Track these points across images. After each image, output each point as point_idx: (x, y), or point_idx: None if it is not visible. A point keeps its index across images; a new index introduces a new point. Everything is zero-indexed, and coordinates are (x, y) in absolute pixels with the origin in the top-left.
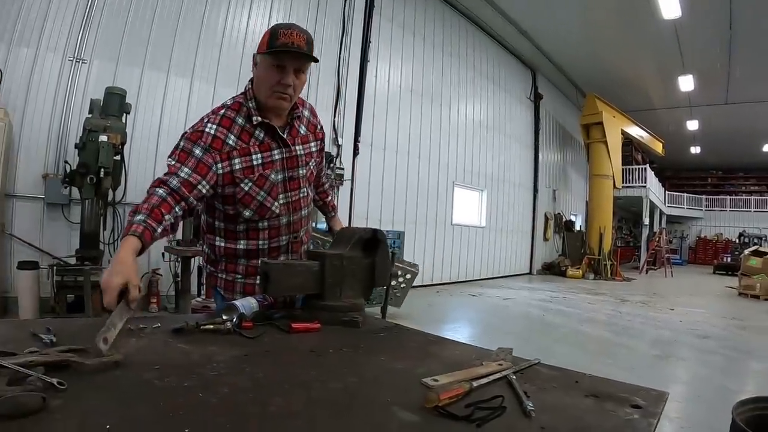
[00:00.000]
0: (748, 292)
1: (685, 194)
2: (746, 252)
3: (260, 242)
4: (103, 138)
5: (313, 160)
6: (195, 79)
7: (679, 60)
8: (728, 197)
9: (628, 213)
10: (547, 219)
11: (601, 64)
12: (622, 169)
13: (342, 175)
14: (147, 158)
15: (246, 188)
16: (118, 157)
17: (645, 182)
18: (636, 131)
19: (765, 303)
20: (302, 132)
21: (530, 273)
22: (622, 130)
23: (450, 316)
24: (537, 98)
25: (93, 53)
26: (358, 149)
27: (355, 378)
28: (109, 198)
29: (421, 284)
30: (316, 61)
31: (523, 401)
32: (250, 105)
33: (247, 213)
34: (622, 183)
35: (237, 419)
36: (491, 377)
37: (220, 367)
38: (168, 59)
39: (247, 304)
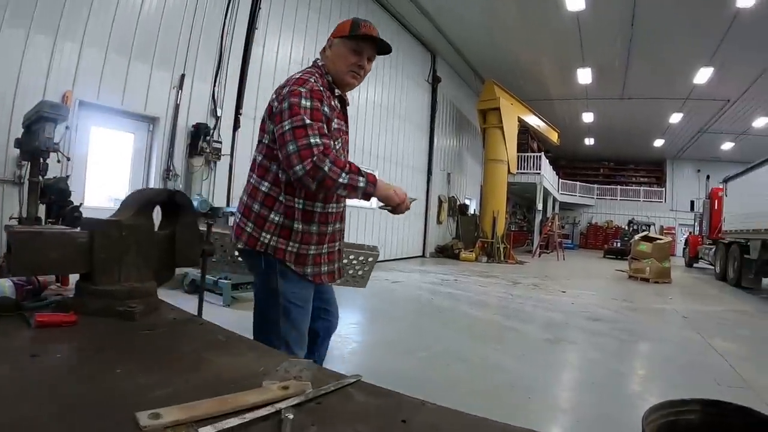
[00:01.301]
0: (638, 275)
1: (578, 183)
2: (636, 237)
3: (331, 205)
4: None
5: None
6: (59, 38)
7: (579, 53)
8: (619, 187)
9: (523, 199)
10: (441, 202)
11: (502, 51)
12: (518, 156)
13: (219, 150)
14: None
15: (338, 146)
16: None
17: (539, 169)
18: (533, 120)
19: (654, 285)
20: None
21: (423, 256)
22: (519, 117)
23: None
24: (435, 81)
25: None
26: (239, 122)
27: (44, 404)
28: None
29: None
30: (389, 52)
31: None
32: (329, 78)
33: None
34: (518, 169)
35: None
36: (254, 414)
37: None
38: (30, 16)
39: None
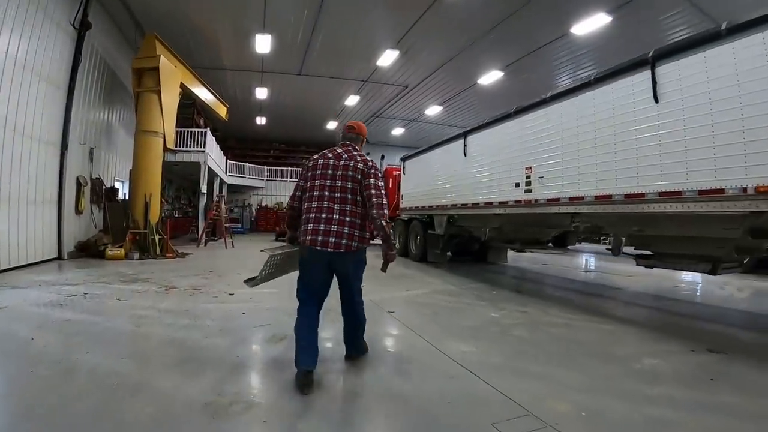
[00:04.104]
0: None
1: (248, 164)
2: None
3: None
4: None
5: None
6: None
7: (262, 15)
8: (290, 169)
9: (187, 181)
10: (80, 185)
11: (172, 4)
12: (181, 131)
13: None
14: None
15: None
16: None
17: (204, 147)
18: (201, 92)
19: None
20: None
21: (60, 257)
22: (183, 84)
23: None
24: (84, 27)
25: None
26: None
27: None
28: None
29: None
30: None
31: None
32: None
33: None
34: (178, 146)
35: None
36: None
37: None
38: None
39: None
